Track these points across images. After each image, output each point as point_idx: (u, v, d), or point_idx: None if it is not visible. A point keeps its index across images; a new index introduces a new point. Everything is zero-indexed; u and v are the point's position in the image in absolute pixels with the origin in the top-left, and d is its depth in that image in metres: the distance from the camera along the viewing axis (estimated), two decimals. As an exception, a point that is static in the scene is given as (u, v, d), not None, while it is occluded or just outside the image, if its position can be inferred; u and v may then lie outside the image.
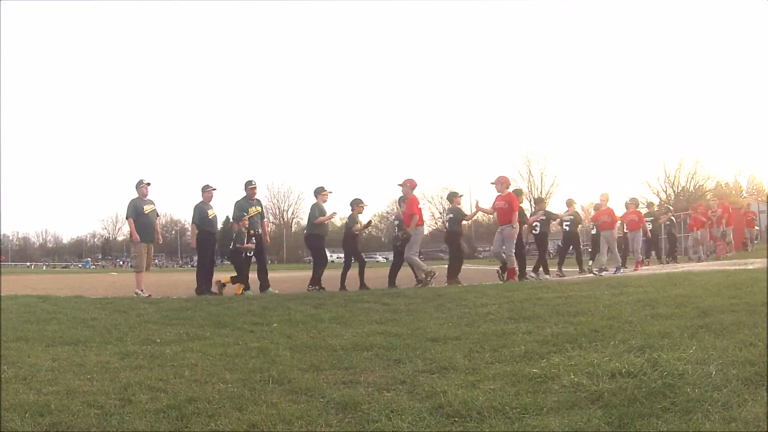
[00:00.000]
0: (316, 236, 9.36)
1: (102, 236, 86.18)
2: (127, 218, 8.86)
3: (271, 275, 9.36)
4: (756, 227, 28.07)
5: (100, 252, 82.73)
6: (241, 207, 9.05)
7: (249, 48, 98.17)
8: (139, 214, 8.75)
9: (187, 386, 2.99)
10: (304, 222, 9.40)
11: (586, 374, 2.76)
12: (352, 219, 9.64)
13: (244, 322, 5.12)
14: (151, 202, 9.02)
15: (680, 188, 43.57)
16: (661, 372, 2.67)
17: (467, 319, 4.77)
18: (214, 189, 9.34)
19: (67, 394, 2.87)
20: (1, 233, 76.19)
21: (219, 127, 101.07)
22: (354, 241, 9.65)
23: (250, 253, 9.01)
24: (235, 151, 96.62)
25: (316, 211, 9.32)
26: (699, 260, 14.00)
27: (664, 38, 78.28)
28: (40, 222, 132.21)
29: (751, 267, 8.37)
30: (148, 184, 9.03)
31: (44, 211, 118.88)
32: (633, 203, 13.38)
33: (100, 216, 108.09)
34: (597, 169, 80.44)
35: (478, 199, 10.68)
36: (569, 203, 12.33)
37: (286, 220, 66.82)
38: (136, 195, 8.91)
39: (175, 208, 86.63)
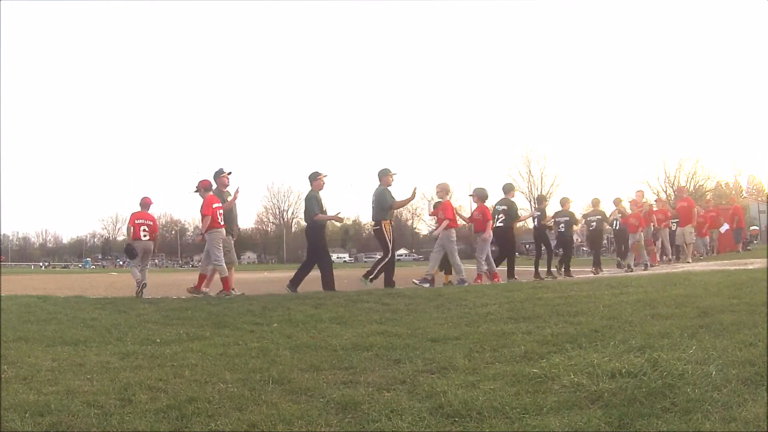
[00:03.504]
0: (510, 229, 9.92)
1: (102, 236, 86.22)
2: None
3: (271, 275, 9.23)
4: (755, 227, 27.99)
5: (100, 252, 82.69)
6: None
7: (248, 47, 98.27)
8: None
9: (187, 386, 2.99)
10: (304, 222, 9.01)
11: (586, 374, 2.75)
12: (542, 211, 10.87)
13: (244, 322, 5.12)
14: (230, 194, 8.28)
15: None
16: (661, 372, 2.66)
17: (467, 319, 4.77)
18: (326, 175, 8.39)
19: (67, 394, 2.87)
20: (1, 233, 76.29)
21: (219, 127, 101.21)
22: (543, 232, 10.84)
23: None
24: (235, 151, 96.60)
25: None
26: (631, 269, 11.12)
27: (664, 38, 78.39)
28: (40, 222, 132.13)
29: (751, 267, 8.38)
30: (229, 173, 8.29)
31: (44, 211, 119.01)
32: (478, 196, 9.58)
33: (100, 216, 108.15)
34: (597, 169, 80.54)
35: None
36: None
37: (286, 220, 66.81)
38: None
39: (174, 207, 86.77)
